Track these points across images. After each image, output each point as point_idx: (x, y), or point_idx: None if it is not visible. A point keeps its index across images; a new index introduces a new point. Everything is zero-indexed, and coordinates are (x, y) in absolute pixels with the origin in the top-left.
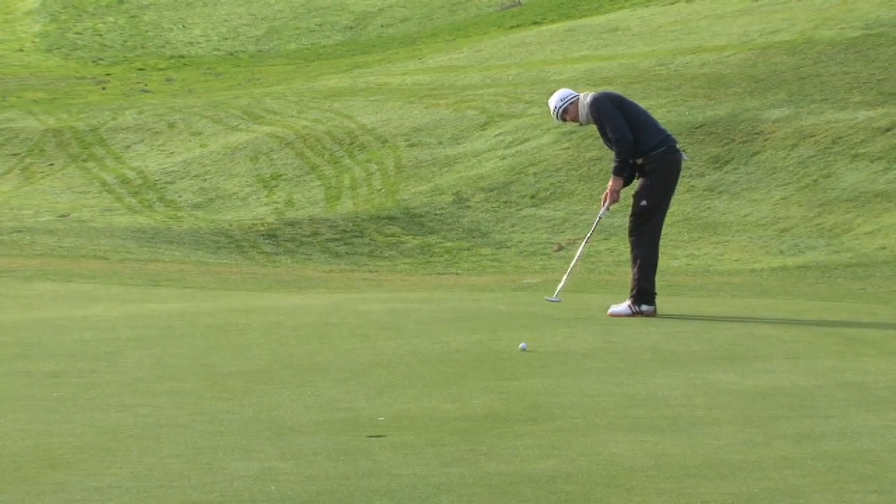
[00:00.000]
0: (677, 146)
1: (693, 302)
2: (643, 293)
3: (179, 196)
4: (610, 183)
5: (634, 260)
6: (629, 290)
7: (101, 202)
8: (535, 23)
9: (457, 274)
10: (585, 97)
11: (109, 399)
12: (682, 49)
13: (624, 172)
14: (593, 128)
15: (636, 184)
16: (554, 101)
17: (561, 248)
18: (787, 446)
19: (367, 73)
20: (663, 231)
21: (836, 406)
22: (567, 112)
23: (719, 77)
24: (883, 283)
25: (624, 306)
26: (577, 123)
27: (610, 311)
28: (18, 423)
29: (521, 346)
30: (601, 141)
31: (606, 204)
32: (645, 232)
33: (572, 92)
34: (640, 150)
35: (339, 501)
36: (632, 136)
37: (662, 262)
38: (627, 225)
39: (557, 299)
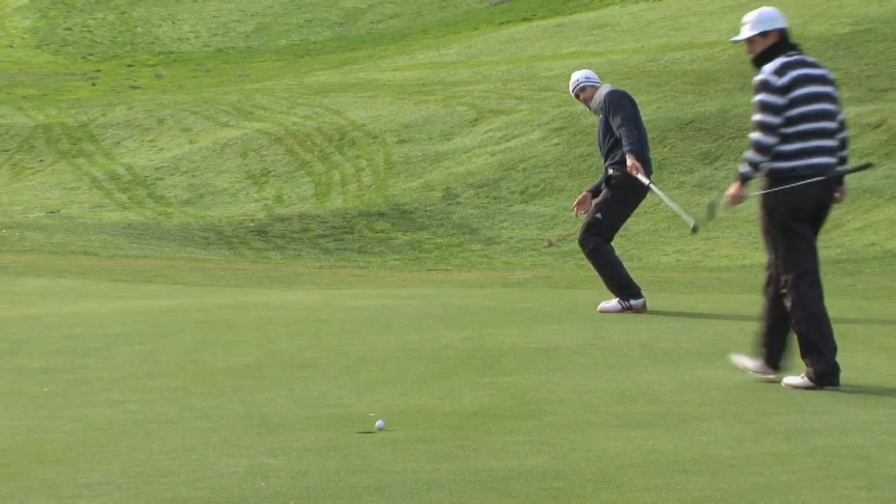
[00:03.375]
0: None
1: (683, 298)
2: (625, 288)
3: (169, 192)
4: (629, 161)
5: (597, 269)
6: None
7: (90, 198)
8: (524, 19)
9: (447, 270)
10: (605, 87)
11: (99, 395)
12: (671, 45)
13: (637, 148)
14: (582, 125)
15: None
16: (579, 76)
17: (551, 244)
18: (776, 442)
19: (356, 69)
20: (651, 228)
21: (825, 402)
22: (584, 91)
23: (709, 73)
24: (872, 279)
25: (614, 302)
26: (587, 107)
27: (600, 307)
28: (8, 419)
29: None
30: (590, 138)
31: (641, 175)
32: (595, 249)
33: (597, 78)
34: (619, 161)
35: (329, 498)
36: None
37: (652, 258)
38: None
39: (701, 220)
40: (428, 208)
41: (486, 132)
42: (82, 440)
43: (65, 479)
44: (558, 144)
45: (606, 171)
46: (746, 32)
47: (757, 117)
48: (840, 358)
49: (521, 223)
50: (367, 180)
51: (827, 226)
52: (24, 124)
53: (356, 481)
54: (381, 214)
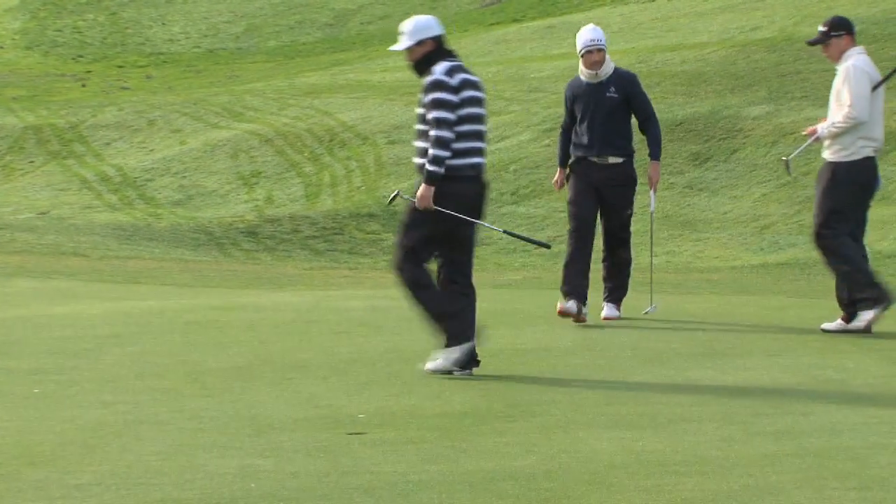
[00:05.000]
0: None
1: (673, 299)
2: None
3: (159, 193)
4: (655, 172)
5: (627, 264)
6: (612, 293)
7: (81, 199)
8: (515, 20)
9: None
10: (610, 61)
11: (89, 396)
12: (662, 46)
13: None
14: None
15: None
16: (600, 36)
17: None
18: (767, 443)
19: (347, 70)
20: (642, 228)
21: (815, 403)
22: (600, 54)
23: (699, 74)
24: None
25: (615, 309)
26: (588, 70)
27: (604, 315)
28: None
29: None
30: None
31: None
32: (628, 239)
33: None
34: (628, 150)
35: (319, 499)
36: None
37: (643, 259)
38: (607, 240)
39: (653, 308)
40: None
41: None
42: (72, 441)
43: (55, 481)
44: (549, 145)
45: (624, 163)
46: (405, 42)
47: (435, 114)
48: (830, 359)
49: (512, 224)
50: (358, 181)
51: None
52: (14, 125)
53: (346, 482)
54: (371, 216)
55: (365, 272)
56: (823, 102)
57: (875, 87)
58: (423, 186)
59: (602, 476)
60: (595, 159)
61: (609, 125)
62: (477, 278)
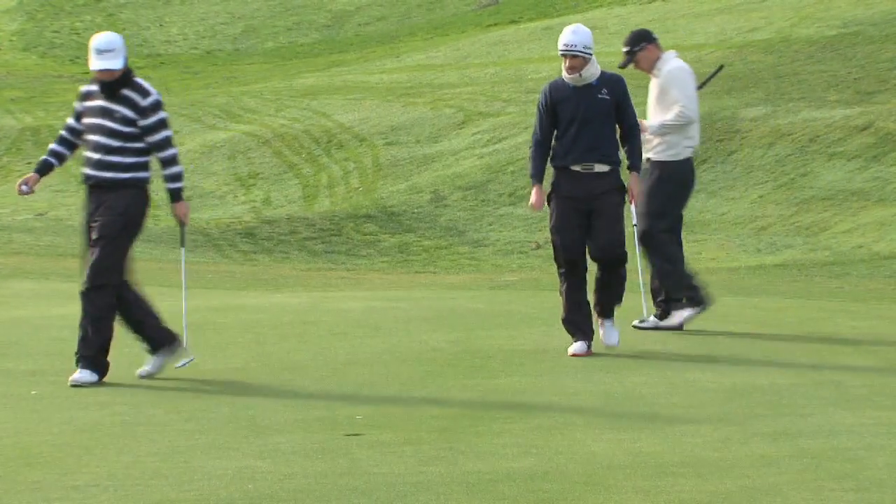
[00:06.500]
0: None
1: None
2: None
3: (157, 194)
4: (632, 181)
5: (622, 278)
6: (605, 306)
7: (78, 200)
8: (512, 21)
9: (434, 272)
10: (595, 62)
11: (87, 398)
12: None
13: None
14: None
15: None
16: (589, 39)
17: (538, 246)
18: (764, 444)
19: (344, 72)
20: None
21: (813, 404)
22: (578, 59)
23: (696, 75)
24: (860, 281)
25: (613, 329)
26: (570, 73)
27: (605, 342)
28: None
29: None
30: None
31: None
32: (625, 259)
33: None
34: (615, 159)
35: (317, 500)
36: None
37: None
38: (601, 262)
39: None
40: (416, 210)
41: (473, 134)
42: (70, 442)
43: (52, 482)
44: None
45: (611, 172)
46: (118, 61)
47: (167, 133)
48: (828, 360)
49: (509, 225)
50: (355, 183)
51: (814, 228)
52: (11, 126)
53: (344, 483)
54: (368, 217)
55: (362, 273)
56: (821, 104)
57: (698, 88)
58: (181, 203)
59: (600, 477)
60: (579, 168)
61: (598, 130)
62: (474, 279)
